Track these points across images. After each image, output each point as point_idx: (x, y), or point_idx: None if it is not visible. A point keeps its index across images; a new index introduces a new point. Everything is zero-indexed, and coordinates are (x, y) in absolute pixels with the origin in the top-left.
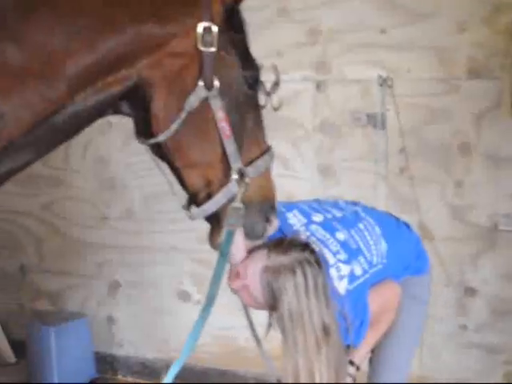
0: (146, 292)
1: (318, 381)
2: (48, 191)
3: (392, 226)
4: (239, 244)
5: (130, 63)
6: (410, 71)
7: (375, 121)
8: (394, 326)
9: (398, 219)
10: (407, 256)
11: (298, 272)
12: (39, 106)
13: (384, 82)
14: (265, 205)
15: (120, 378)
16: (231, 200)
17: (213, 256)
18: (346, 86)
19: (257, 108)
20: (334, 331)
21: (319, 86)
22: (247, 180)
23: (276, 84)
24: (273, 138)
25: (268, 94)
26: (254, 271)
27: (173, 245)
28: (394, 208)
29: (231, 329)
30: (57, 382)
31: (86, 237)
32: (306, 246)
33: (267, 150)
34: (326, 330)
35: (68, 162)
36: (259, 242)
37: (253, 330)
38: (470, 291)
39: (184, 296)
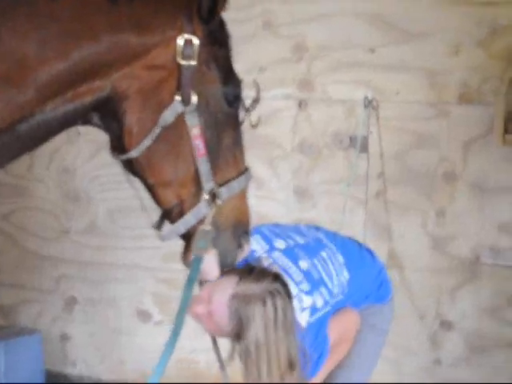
0: (104, 310)
1: None
2: (9, 201)
3: (355, 254)
4: (212, 264)
5: (104, 73)
6: (399, 93)
7: (357, 143)
8: (348, 356)
9: (360, 245)
10: (369, 285)
11: (269, 303)
12: (5, 112)
13: (369, 104)
14: (238, 229)
15: None
16: (201, 221)
17: (177, 276)
18: (330, 106)
19: (236, 126)
20: (298, 365)
21: (301, 104)
22: (219, 202)
23: (255, 101)
24: (249, 157)
25: (247, 111)
26: (222, 297)
27: (136, 262)
28: (371, 234)
29: (192, 352)
30: None
31: (45, 250)
32: (276, 277)
33: (244, 171)
34: (291, 365)
35: (32, 171)
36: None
37: (218, 354)
38: (447, 325)
39: (144, 316)
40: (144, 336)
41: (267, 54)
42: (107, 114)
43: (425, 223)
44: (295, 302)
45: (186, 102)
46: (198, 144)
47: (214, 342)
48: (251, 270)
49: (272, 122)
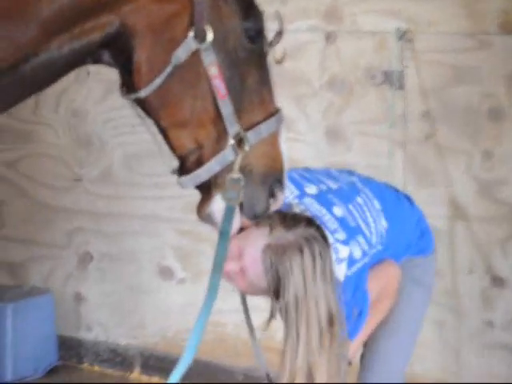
0: (121, 267)
1: (316, 380)
2: (14, 147)
3: (392, 200)
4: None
5: (111, 7)
6: (433, 23)
7: (392, 79)
8: (391, 315)
9: (398, 192)
10: (409, 234)
11: (306, 250)
12: (6, 51)
13: (403, 36)
14: (269, 176)
15: (86, 366)
16: (226, 169)
17: (200, 228)
18: (360, 39)
19: (261, 64)
20: (338, 322)
21: (329, 37)
22: (246, 147)
23: (279, 34)
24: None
25: (270, 45)
26: (254, 251)
27: (156, 213)
28: (410, 180)
29: (218, 313)
30: (10, 368)
31: (56, 201)
32: (311, 222)
33: (274, 112)
34: (331, 321)
35: (38, 114)
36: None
37: (247, 316)
38: (499, 281)
39: (166, 273)
40: (166, 295)
41: None
42: (117, 51)
43: (469, 167)
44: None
45: (200, 38)
46: (218, 84)
47: (244, 303)
48: (282, 218)
49: (298, 57)
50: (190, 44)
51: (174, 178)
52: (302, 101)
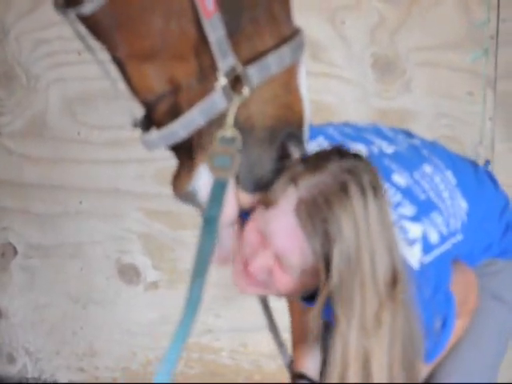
0: (60, 266)
1: (375, 371)
2: None
3: (470, 178)
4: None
5: None
6: None
7: None
8: (466, 335)
9: (477, 167)
10: (492, 227)
11: (351, 185)
12: None
13: None
14: (282, 132)
15: None
16: (216, 123)
17: (181, 207)
18: None
19: None
20: (402, 287)
21: None
22: (246, 90)
23: None
24: (296, 10)
25: None
26: (285, 220)
27: (112, 185)
28: (503, 136)
29: (207, 334)
30: None
31: None
32: (344, 151)
33: (291, 36)
34: (394, 280)
35: None
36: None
37: (273, 328)
38: None
39: (129, 274)
40: (129, 307)
41: None
42: None
43: None
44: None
45: None
46: None
47: (266, 309)
48: (304, 162)
49: None
50: None
51: (135, 132)
52: (337, 16)
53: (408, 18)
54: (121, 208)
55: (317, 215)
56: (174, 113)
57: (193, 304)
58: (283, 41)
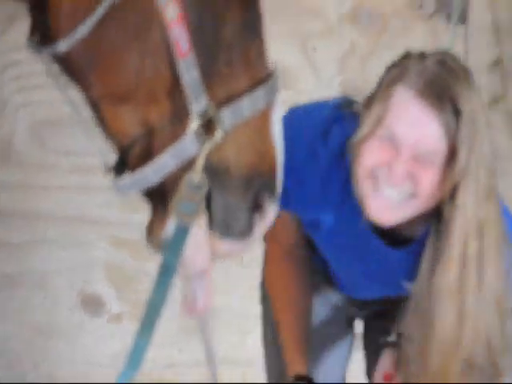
0: (19, 296)
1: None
2: None
3: None
4: (199, 240)
5: None
6: None
7: (449, 8)
8: None
9: None
10: None
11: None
12: None
13: None
14: (254, 180)
15: None
16: (188, 167)
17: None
18: None
19: (248, 2)
20: None
21: None
22: (219, 133)
23: None
24: (272, 36)
25: None
26: (410, 109)
27: (78, 212)
28: None
29: (168, 367)
30: None
31: None
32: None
33: (266, 78)
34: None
35: None
36: (243, 243)
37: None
38: None
39: (92, 305)
40: (92, 340)
41: None
42: None
43: None
44: None
45: None
46: (178, 34)
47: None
48: (395, 65)
49: None
50: None
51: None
52: (310, 42)
53: (377, 44)
54: (87, 236)
55: (443, 93)
56: (147, 157)
57: (135, 359)
58: (257, 83)
